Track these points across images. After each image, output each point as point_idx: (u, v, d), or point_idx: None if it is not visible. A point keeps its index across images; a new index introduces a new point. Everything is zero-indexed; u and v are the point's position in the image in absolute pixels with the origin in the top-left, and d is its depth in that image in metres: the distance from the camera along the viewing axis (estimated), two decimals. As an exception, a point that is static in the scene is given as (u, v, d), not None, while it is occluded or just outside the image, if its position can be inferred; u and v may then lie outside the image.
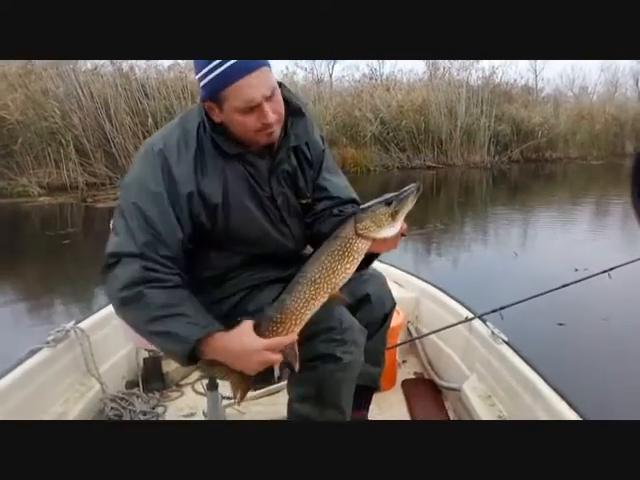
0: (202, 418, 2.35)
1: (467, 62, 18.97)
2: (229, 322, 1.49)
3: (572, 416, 1.76)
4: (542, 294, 2.50)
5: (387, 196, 1.48)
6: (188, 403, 2.59)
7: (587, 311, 4.42)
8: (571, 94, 24.71)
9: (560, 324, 4.13)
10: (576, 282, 2.50)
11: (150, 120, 12.39)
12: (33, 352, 2.18)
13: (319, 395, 1.59)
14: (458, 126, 17.52)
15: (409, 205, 1.46)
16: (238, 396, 1.55)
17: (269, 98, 1.44)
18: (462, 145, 17.88)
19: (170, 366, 2.68)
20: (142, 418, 2.36)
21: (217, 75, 1.40)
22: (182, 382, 2.77)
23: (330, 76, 21.37)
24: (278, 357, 1.44)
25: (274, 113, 1.47)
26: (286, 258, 1.73)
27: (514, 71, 40.46)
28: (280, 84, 1.57)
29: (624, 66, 25.89)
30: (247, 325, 1.45)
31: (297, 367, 1.49)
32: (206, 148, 1.53)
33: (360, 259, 1.50)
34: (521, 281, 5.05)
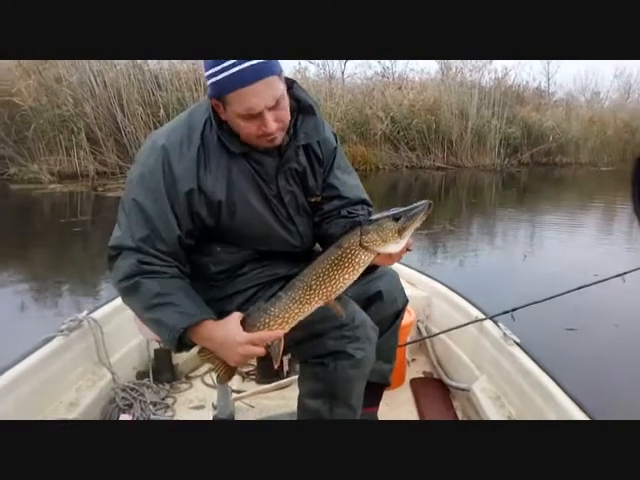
0: (211, 410, 2.37)
1: (480, 63, 18.93)
2: None
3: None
4: (557, 296, 2.49)
5: (396, 210, 1.45)
6: (197, 395, 2.60)
7: (598, 316, 4.40)
8: (583, 99, 24.56)
9: (570, 329, 4.12)
10: (592, 284, 2.49)
11: (162, 111, 12.40)
12: (47, 340, 2.20)
13: (330, 391, 1.60)
14: (469, 127, 17.45)
15: (417, 223, 1.44)
16: (225, 378, 1.61)
17: (273, 107, 1.43)
18: (472, 147, 17.81)
19: (180, 358, 2.70)
20: (152, 409, 2.38)
21: (224, 78, 1.39)
22: (192, 374, 2.79)
23: (342, 73, 21.35)
24: (260, 350, 1.47)
25: (277, 121, 1.46)
26: (296, 256, 1.74)
27: (527, 73, 40.31)
28: (292, 82, 1.57)
29: (638, 72, 25.74)
30: (234, 317, 1.49)
31: (276, 365, 1.51)
32: (211, 145, 1.54)
33: (361, 271, 1.49)
34: (529, 284, 5.05)
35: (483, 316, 2.53)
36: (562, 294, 2.51)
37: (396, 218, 1.43)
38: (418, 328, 3.02)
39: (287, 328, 1.49)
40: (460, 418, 2.43)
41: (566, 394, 1.92)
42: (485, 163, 17.95)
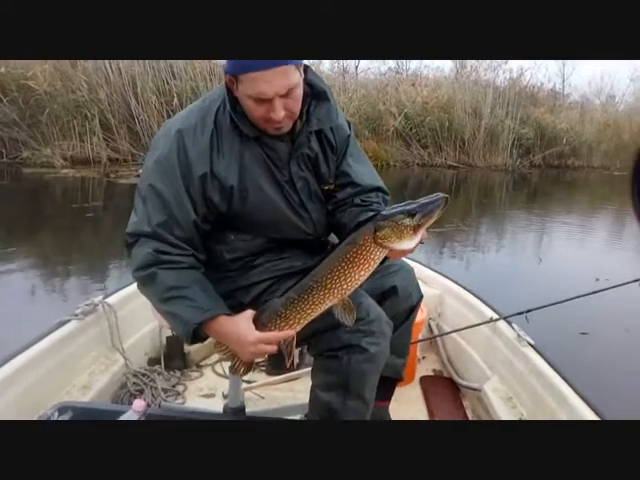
0: (221, 399, 2.38)
1: (495, 62, 18.77)
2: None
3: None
4: (572, 299, 2.48)
5: (411, 205, 1.38)
6: (208, 384, 2.62)
7: (609, 321, 4.38)
8: (598, 102, 24.37)
9: (583, 333, 4.10)
10: (609, 289, 2.48)
11: (176, 100, 12.36)
12: (61, 323, 2.22)
13: (344, 385, 1.58)
14: (482, 126, 17.33)
15: (434, 219, 1.38)
16: (241, 372, 1.61)
17: (284, 95, 1.43)
18: (484, 146, 17.68)
19: (191, 346, 2.71)
20: (163, 395, 2.39)
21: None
22: (202, 363, 2.80)
23: (356, 68, 21.29)
24: (272, 349, 1.48)
25: (286, 110, 1.46)
26: (310, 246, 1.73)
27: (543, 74, 40.01)
28: (306, 67, 1.55)
29: (654, 77, 25.49)
30: (246, 315, 1.49)
31: (288, 363, 1.50)
32: (224, 129, 1.54)
33: (375, 267, 1.45)
34: (540, 286, 5.03)
35: (497, 316, 2.52)
36: (577, 297, 2.50)
37: (412, 214, 1.36)
38: (429, 326, 3.01)
39: (298, 328, 1.48)
40: (470, 418, 2.43)
41: (579, 396, 1.91)
42: (497, 163, 17.83)
